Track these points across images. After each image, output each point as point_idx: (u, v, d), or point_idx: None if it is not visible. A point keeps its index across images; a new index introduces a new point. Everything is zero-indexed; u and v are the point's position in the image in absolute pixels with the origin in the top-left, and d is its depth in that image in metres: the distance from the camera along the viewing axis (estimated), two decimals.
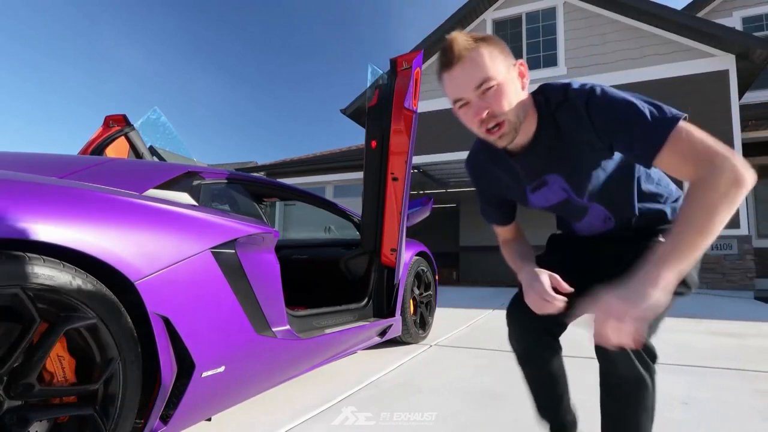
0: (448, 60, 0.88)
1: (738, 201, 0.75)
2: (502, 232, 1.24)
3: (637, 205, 1.03)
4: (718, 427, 1.54)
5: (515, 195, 1.13)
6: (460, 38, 0.88)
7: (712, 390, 1.93)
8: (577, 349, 2.77)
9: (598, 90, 0.89)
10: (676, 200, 1.08)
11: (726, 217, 0.74)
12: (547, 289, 0.93)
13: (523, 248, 1.17)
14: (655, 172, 1.07)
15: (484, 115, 0.88)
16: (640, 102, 0.85)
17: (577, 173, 0.98)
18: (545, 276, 0.96)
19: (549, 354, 1.11)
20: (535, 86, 0.97)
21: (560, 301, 0.91)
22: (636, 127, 0.83)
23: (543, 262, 1.05)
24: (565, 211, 1.10)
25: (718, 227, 0.74)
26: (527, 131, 0.96)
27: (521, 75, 0.93)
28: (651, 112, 0.82)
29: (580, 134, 0.92)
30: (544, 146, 0.98)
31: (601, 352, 0.93)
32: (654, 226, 1.02)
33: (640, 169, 1.02)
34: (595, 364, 0.99)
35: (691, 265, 0.76)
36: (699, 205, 0.75)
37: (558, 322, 1.04)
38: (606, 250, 1.06)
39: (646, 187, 1.04)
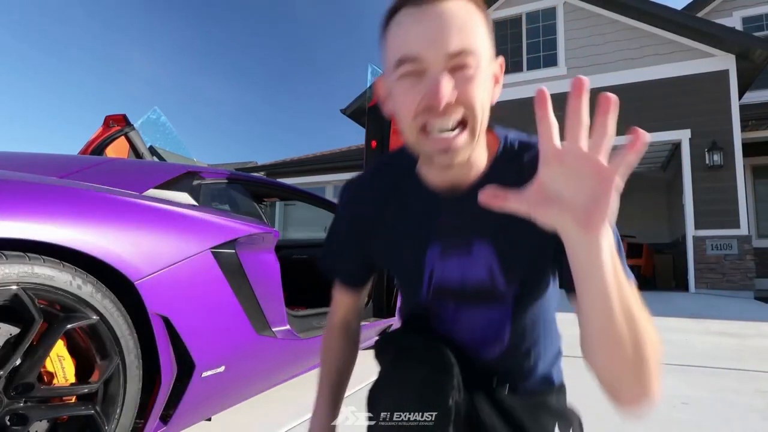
0: None
1: None
2: (345, 302, 0.88)
3: (540, 352, 0.73)
4: (718, 427, 1.54)
5: (405, 253, 0.73)
6: None
7: (712, 390, 1.93)
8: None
9: None
10: (556, 360, 0.78)
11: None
12: None
13: (348, 357, 0.86)
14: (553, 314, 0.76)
15: (449, 98, 0.55)
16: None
17: (513, 251, 0.66)
18: None
19: None
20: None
21: None
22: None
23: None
24: (468, 303, 0.71)
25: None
26: (477, 160, 0.66)
27: (496, 80, 0.65)
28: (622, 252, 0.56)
29: None
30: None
31: None
32: (539, 392, 0.74)
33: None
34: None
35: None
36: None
37: None
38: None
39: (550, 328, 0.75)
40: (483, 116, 0.60)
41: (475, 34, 0.58)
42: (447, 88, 0.55)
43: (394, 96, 0.61)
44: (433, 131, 0.58)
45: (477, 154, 0.65)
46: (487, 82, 0.61)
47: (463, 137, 0.59)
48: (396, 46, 0.59)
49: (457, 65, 0.56)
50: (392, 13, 0.61)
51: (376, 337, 2.50)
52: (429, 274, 0.71)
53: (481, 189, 0.45)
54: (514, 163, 0.67)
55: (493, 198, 0.44)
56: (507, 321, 0.70)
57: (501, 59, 0.66)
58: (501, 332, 0.70)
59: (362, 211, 0.77)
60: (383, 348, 0.75)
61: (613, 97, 0.38)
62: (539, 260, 0.66)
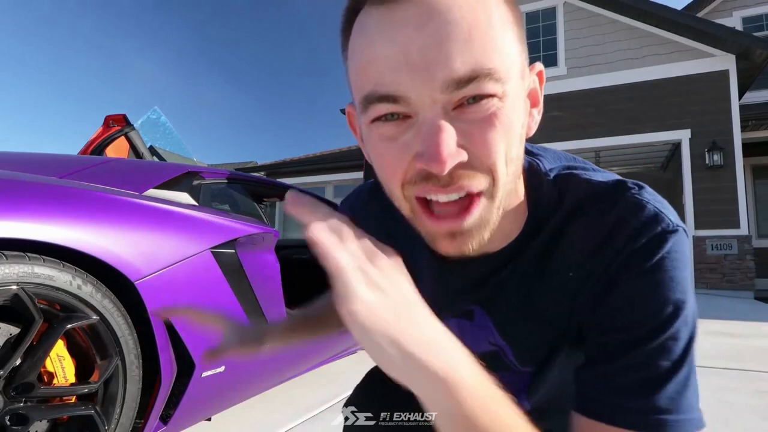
0: None
1: None
2: None
3: None
4: (717, 427, 1.54)
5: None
6: None
7: (712, 390, 1.93)
8: None
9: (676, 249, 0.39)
10: None
11: None
12: None
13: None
14: None
15: (455, 158, 0.34)
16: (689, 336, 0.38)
17: (523, 334, 0.50)
18: None
19: None
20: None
21: None
22: (658, 363, 0.37)
23: None
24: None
25: None
26: (507, 222, 0.43)
27: (533, 100, 0.42)
28: (688, 377, 0.38)
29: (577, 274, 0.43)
30: (520, 265, 0.46)
31: None
32: None
33: None
34: None
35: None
36: None
37: None
38: None
39: None
40: (511, 172, 0.38)
41: (494, 40, 0.34)
42: (450, 143, 0.33)
43: (369, 147, 0.40)
44: (434, 206, 0.38)
45: (505, 215, 0.42)
46: (518, 114, 0.37)
47: (478, 208, 0.37)
48: (361, 72, 0.36)
49: (467, 98, 0.34)
50: (352, 11, 0.38)
51: None
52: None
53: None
54: (574, 213, 0.44)
55: None
56: (523, 390, 0.53)
57: (539, 67, 0.42)
58: (518, 398, 0.45)
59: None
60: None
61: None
62: (558, 344, 0.48)
